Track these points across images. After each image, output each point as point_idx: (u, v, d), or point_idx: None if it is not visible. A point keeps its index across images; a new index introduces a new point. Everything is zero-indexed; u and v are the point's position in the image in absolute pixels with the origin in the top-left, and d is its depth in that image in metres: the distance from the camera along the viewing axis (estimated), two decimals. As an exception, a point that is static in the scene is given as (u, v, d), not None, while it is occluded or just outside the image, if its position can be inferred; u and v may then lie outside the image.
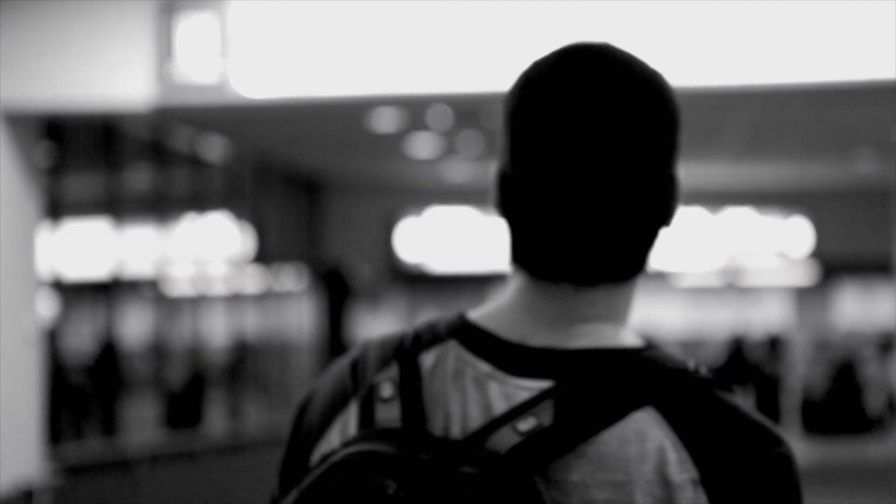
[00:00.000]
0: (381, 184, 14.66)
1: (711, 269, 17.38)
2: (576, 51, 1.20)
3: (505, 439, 1.12)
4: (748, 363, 20.18)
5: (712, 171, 14.74)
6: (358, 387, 1.21)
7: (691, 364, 1.17)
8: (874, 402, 19.57)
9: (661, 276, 19.82)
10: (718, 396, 1.16)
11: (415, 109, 9.88)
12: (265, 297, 13.07)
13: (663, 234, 1.21)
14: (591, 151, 1.16)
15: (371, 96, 7.78)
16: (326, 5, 7.54)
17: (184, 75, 7.30)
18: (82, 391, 9.78)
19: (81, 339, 9.79)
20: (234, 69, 7.38)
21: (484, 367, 1.18)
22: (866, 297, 22.21)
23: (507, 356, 1.17)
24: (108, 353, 9.80)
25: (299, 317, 14.05)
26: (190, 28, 7.42)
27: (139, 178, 10.54)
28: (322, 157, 13.35)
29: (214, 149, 11.71)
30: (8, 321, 7.50)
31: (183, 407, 10.82)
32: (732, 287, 18.68)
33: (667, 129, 1.19)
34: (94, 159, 9.73)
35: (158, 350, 10.58)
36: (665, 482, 1.12)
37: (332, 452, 1.15)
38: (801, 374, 20.61)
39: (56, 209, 9.01)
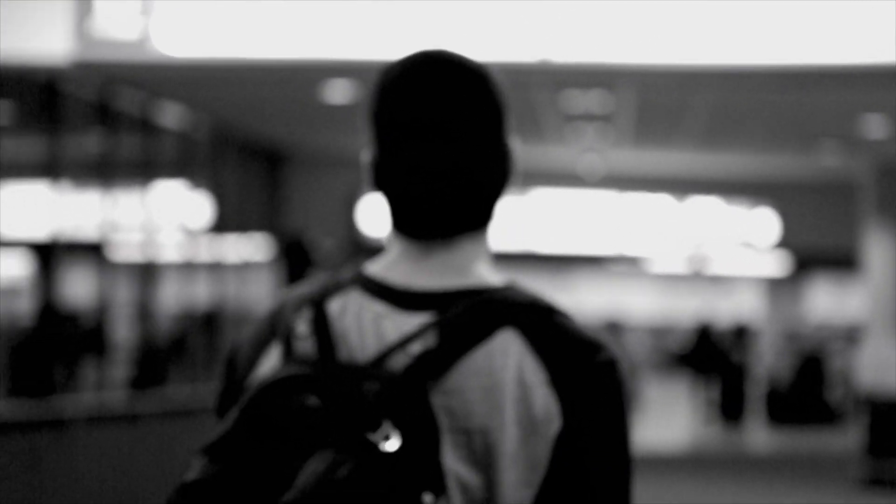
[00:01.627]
0: (343, 158, 14.58)
1: (679, 257, 17.34)
2: (418, 59, 1.53)
3: (400, 361, 1.45)
4: (715, 351, 20.14)
5: (676, 158, 14.68)
6: (277, 330, 1.52)
7: (539, 297, 1.51)
8: (838, 394, 19.57)
9: (631, 262, 19.77)
10: (560, 320, 1.50)
11: (367, 80, 9.77)
12: (222, 267, 12.99)
13: (506, 189, 1.56)
14: (441, 138, 1.51)
15: (309, 61, 7.69)
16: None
17: (103, 31, 7.25)
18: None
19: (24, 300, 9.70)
20: (156, 26, 7.32)
21: (379, 307, 1.51)
22: (837, 291, 22.21)
23: (398, 298, 1.51)
24: (48, 313, 9.73)
25: (259, 287, 13.98)
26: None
27: (86, 141, 10.43)
28: (281, 128, 13.26)
29: (168, 115, 11.62)
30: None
31: (142, 370, 10.81)
32: (700, 275, 18.63)
33: (497, 114, 1.54)
34: (36, 120, 9.62)
35: (102, 314, 10.51)
36: (523, 384, 1.46)
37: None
38: (767, 364, 20.59)
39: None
